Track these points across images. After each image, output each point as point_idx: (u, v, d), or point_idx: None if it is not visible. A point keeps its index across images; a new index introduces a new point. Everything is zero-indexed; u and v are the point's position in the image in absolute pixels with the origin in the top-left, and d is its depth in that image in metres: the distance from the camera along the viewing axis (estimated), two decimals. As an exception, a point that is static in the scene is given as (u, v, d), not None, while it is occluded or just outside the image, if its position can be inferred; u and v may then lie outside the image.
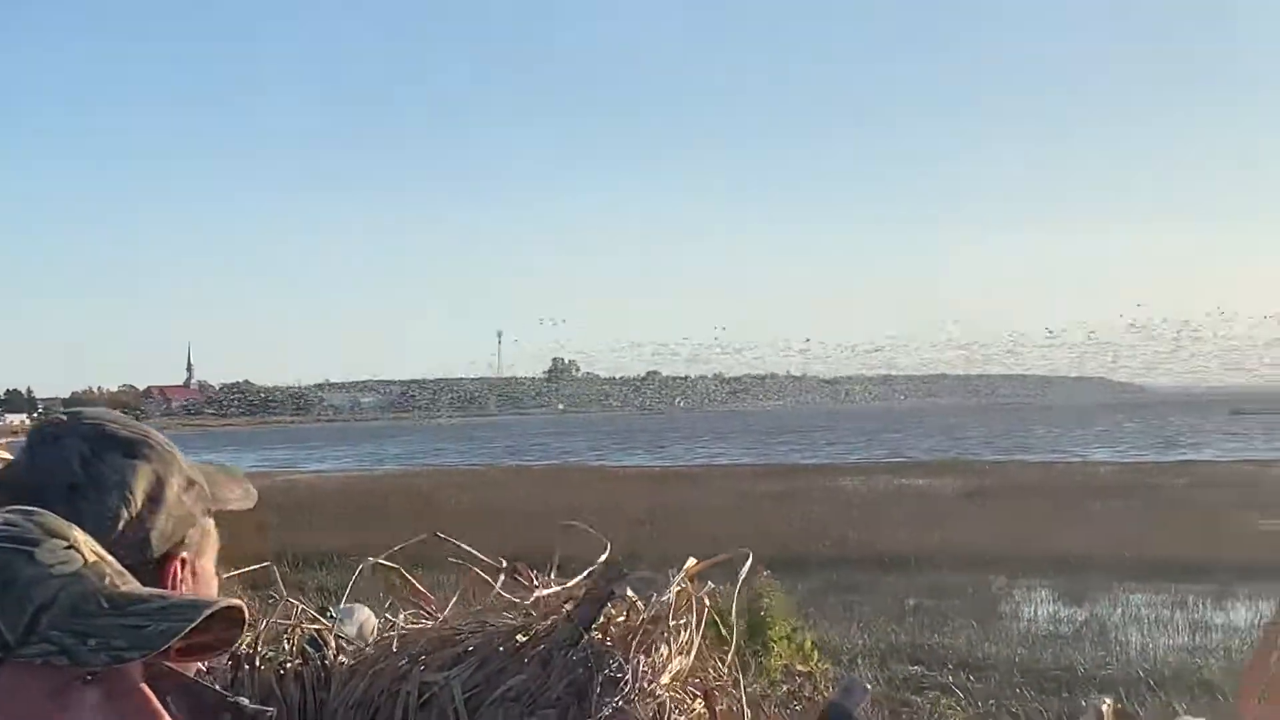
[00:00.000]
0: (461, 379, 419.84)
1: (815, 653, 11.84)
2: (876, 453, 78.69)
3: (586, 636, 4.07)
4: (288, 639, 3.66)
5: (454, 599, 4.00)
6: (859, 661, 13.88)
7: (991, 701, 12.41)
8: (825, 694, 6.89)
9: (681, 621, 3.69)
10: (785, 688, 10.63)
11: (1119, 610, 18.78)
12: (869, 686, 6.27)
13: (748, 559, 3.41)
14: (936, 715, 11.49)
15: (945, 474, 49.64)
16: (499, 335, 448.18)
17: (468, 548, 3.52)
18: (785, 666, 11.59)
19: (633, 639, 3.96)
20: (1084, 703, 6.65)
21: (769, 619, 11.60)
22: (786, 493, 40.75)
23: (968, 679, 13.48)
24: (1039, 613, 18.96)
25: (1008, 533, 26.83)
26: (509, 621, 4.33)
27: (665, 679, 3.73)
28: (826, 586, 21.31)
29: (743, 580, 3.40)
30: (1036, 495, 36.56)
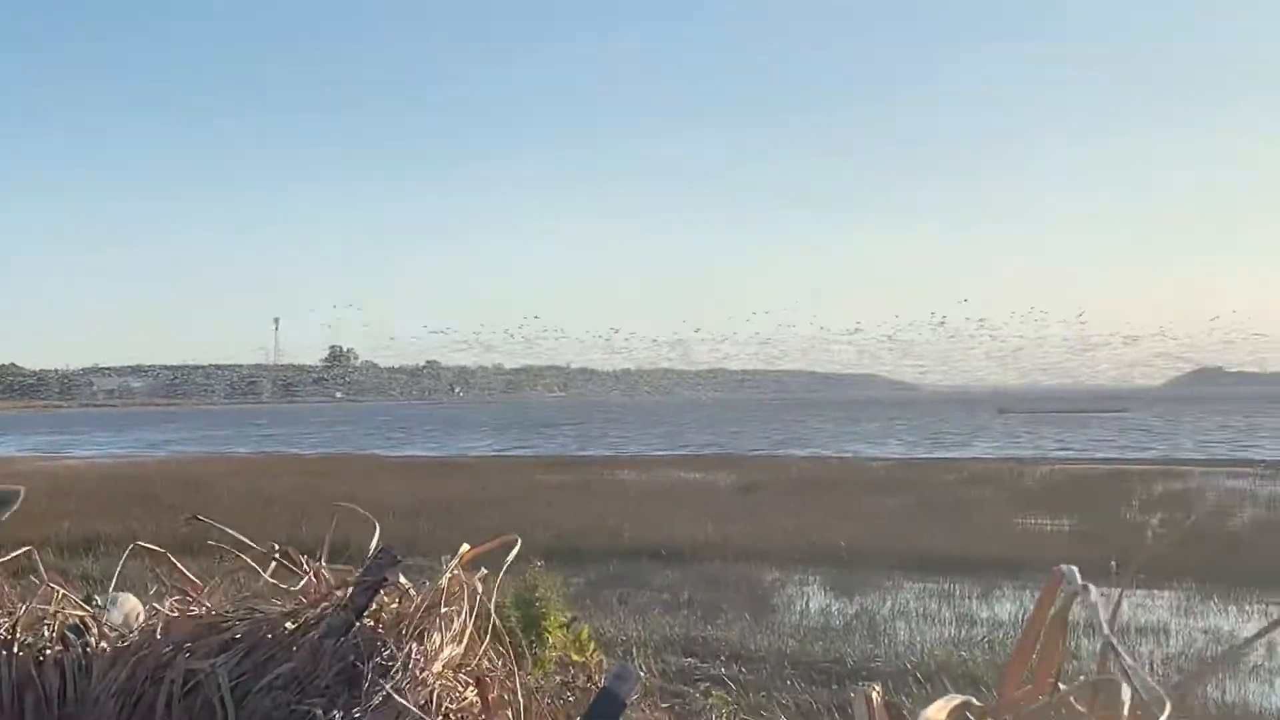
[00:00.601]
0: (237, 365, 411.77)
1: (591, 643, 11.81)
2: (655, 446, 79.18)
3: (358, 624, 4.01)
4: (48, 625, 3.54)
5: (222, 585, 3.90)
6: (633, 652, 13.90)
7: (763, 693, 12.52)
8: (599, 684, 6.91)
9: (454, 609, 3.65)
10: (559, 678, 10.62)
11: (888, 603, 19.14)
12: (641, 674, 6.29)
13: (516, 544, 3.38)
14: (708, 706, 11.57)
15: (722, 468, 50.14)
16: (276, 322, 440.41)
17: (232, 531, 3.43)
18: (560, 657, 11.56)
19: (405, 626, 3.91)
20: (852, 691, 6.77)
21: (545, 609, 11.55)
22: (565, 484, 40.81)
23: (740, 670, 13.60)
24: (811, 605, 19.23)
25: (781, 526, 27.21)
26: (278, 608, 4.25)
27: (437, 666, 3.70)
28: (603, 578, 21.37)
29: (507, 567, 3.37)
30: (810, 490, 37.13)
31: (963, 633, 16.80)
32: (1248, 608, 18.67)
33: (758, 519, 28.94)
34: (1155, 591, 19.70)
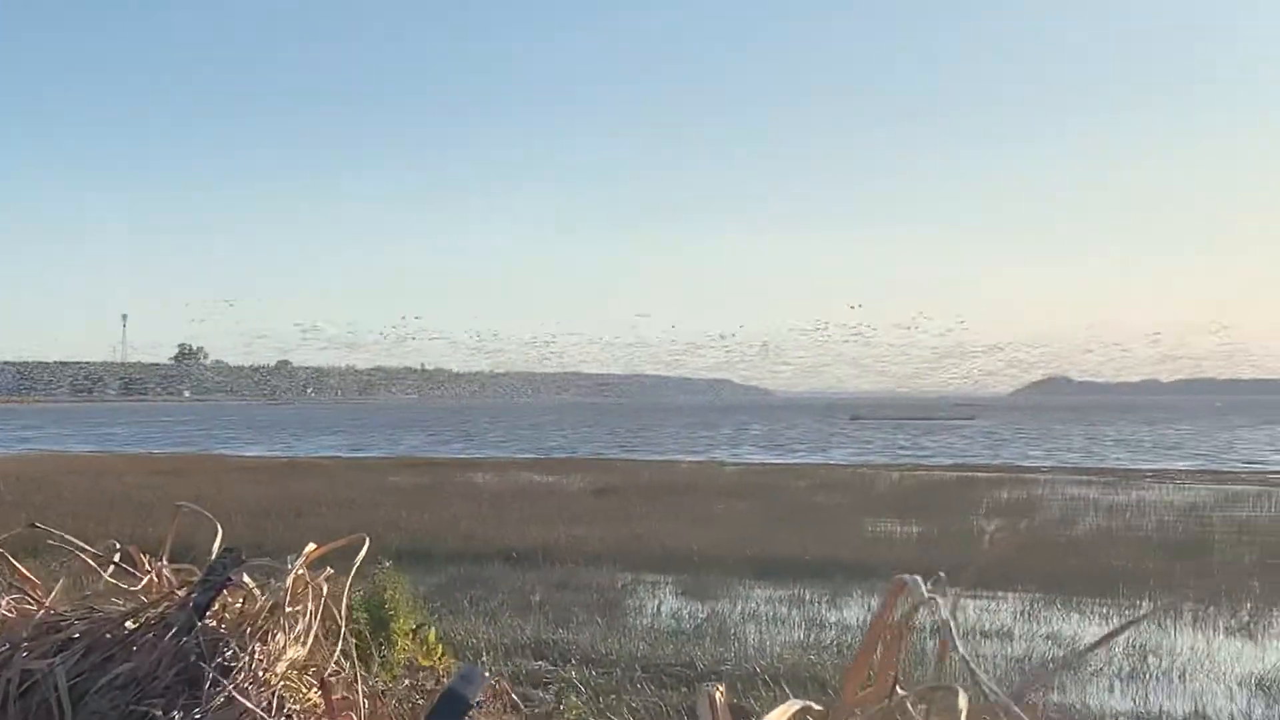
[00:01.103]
0: (84, 362, 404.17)
1: (439, 646, 11.73)
2: (509, 448, 79.01)
3: (200, 624, 3.95)
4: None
5: (61, 585, 3.81)
6: (483, 655, 13.85)
7: (613, 696, 12.53)
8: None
9: (299, 610, 3.60)
10: (407, 681, 10.54)
11: (739, 607, 19.23)
12: (487, 675, 6.27)
13: (364, 544, 3.34)
14: (558, 709, 11.55)
15: (575, 471, 50.15)
16: (124, 318, 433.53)
17: (70, 538, 3.35)
18: (409, 660, 11.48)
19: (248, 627, 3.85)
20: (694, 687, 6.79)
21: (393, 612, 11.45)
22: (417, 486, 40.57)
23: (591, 674, 13.60)
24: (662, 609, 19.27)
25: (633, 530, 27.28)
26: (119, 608, 4.16)
27: (281, 667, 3.65)
28: (454, 580, 21.25)
29: (356, 570, 3.33)
30: (662, 494, 37.24)
31: (812, 637, 16.94)
32: (1090, 613, 19.03)
33: (610, 522, 28.97)
34: (1000, 597, 20.01)
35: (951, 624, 2.85)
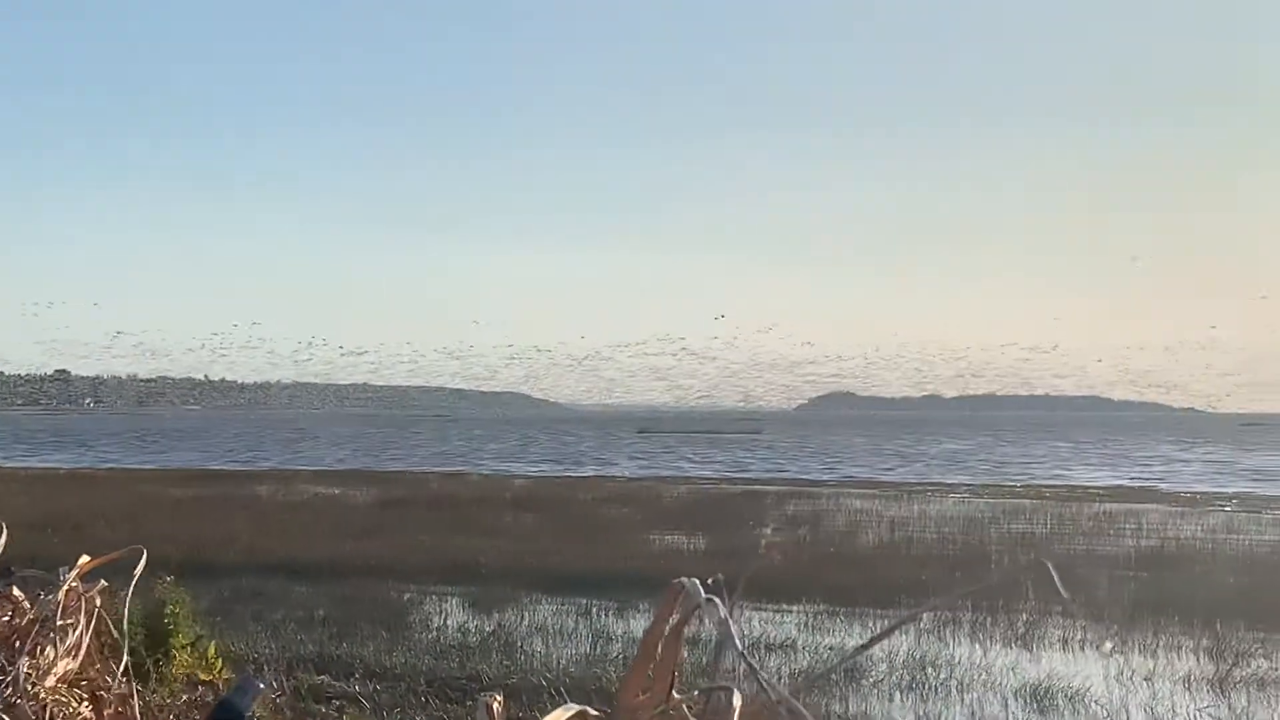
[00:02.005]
0: None
1: (219, 661, 11.52)
2: (294, 460, 77.92)
3: (-37, 638, 3.80)
4: None
5: None
6: (265, 670, 13.60)
7: (397, 709, 12.42)
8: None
9: (71, 623, 3.49)
10: (186, 696, 10.32)
11: (525, 620, 19.19)
12: (262, 686, 6.16)
13: (142, 558, 3.25)
14: (341, 724, 11.42)
15: (361, 483, 49.65)
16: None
17: None
18: (188, 675, 11.25)
19: (17, 640, 3.72)
20: (475, 699, 6.75)
21: (172, 626, 11.21)
22: (199, 498, 39.81)
23: (374, 688, 13.45)
24: (448, 622, 19.13)
25: (420, 543, 27.08)
26: (-122, 622, 3.99)
27: (50, 681, 3.53)
28: (236, 594, 20.86)
29: (136, 583, 3.24)
30: (450, 506, 37.05)
31: (599, 649, 16.96)
32: (873, 624, 19.35)
33: (396, 535, 28.73)
34: (785, 609, 20.25)
35: (730, 624, 2.87)
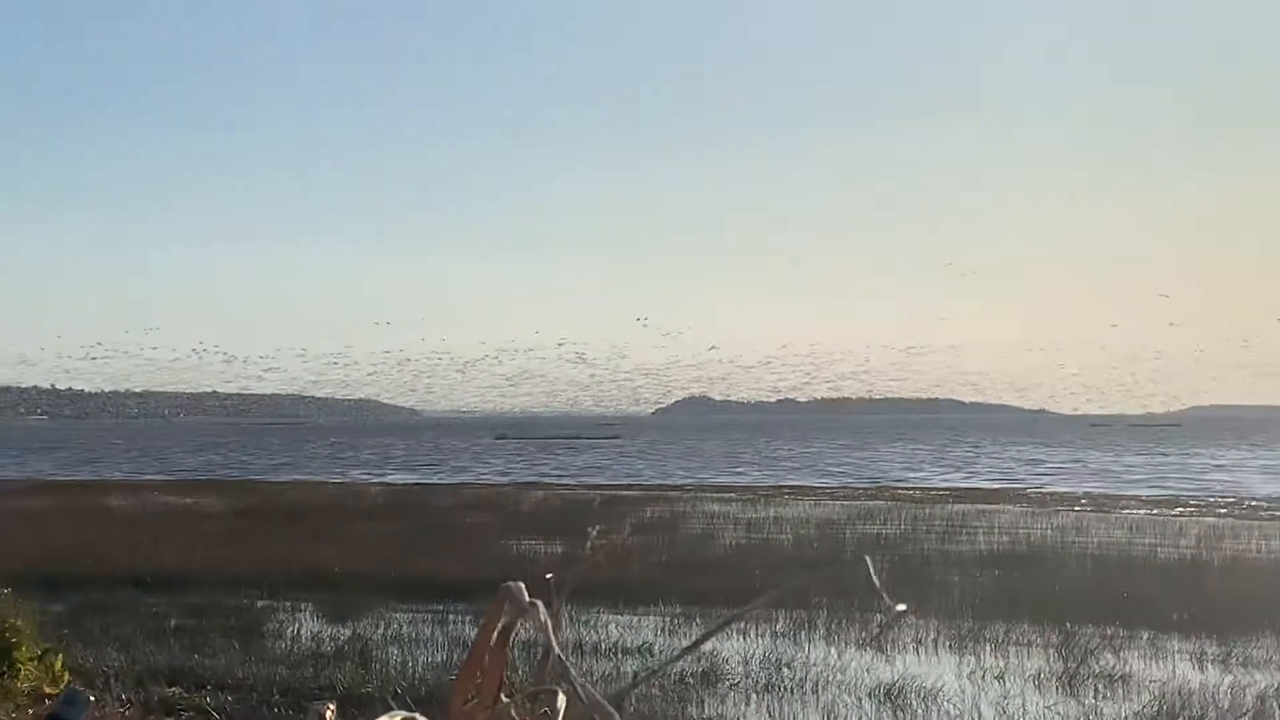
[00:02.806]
0: None
1: (66, 674, 11.30)
2: (146, 469, 76.72)
3: None
4: None
5: None
6: (113, 683, 13.35)
7: (249, 721, 12.27)
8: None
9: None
10: (32, 710, 10.10)
11: (381, 629, 19.01)
12: (92, 697, 6.06)
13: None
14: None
15: (213, 493, 49.02)
16: None
17: None
18: (34, 689, 11.02)
19: None
20: (307, 705, 6.64)
21: (16, 640, 10.97)
22: (44, 509, 39.02)
23: (226, 699, 13.25)
24: (302, 632, 18.91)
25: (274, 552, 26.74)
26: None
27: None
28: (84, 607, 20.45)
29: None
30: (305, 515, 36.66)
31: (455, 657, 16.83)
32: (730, 627, 19.40)
33: (250, 545, 28.36)
34: (643, 613, 20.28)
35: (550, 627, 2.86)
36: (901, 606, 3.25)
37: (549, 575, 3.13)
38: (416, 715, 2.88)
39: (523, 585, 2.96)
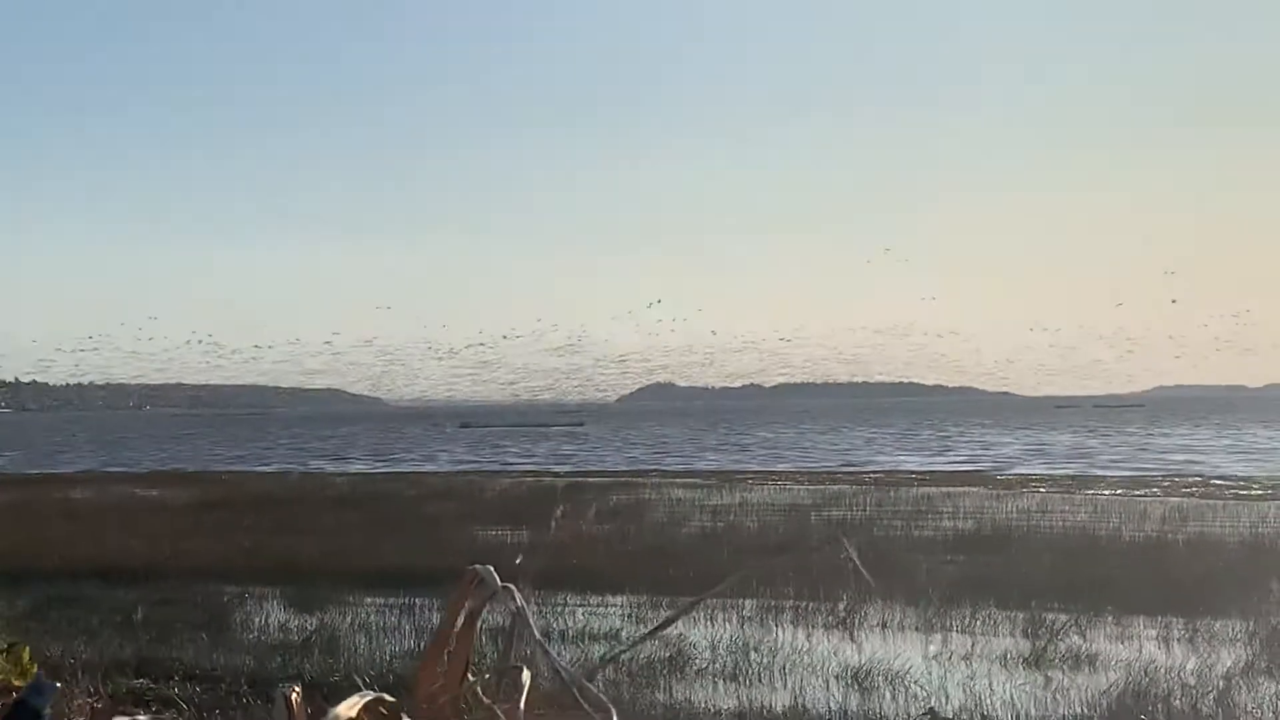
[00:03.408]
0: None
1: (33, 667, 11.24)
2: (111, 462, 76.38)
3: None
4: None
5: None
6: (80, 675, 13.29)
7: (217, 710, 12.22)
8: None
9: None
10: (2, 702, 10.05)
11: (349, 618, 18.98)
12: (58, 684, 6.05)
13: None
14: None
15: (178, 485, 48.86)
16: None
17: None
18: (2, 682, 10.99)
19: None
20: (273, 692, 6.66)
21: (-18, 634, 10.93)
22: (9, 503, 38.81)
23: (194, 690, 13.21)
24: (269, 622, 18.88)
25: (240, 544, 26.70)
26: None
27: None
28: (51, 600, 20.38)
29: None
30: (270, 506, 36.57)
31: (422, 645, 16.81)
32: (696, 613, 19.41)
33: (217, 536, 28.29)
34: (610, 601, 20.30)
35: (526, 608, 2.87)
36: (872, 581, 3.27)
37: (519, 559, 3.12)
38: (384, 695, 2.88)
39: (492, 568, 2.96)
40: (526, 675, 2.63)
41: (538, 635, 2.70)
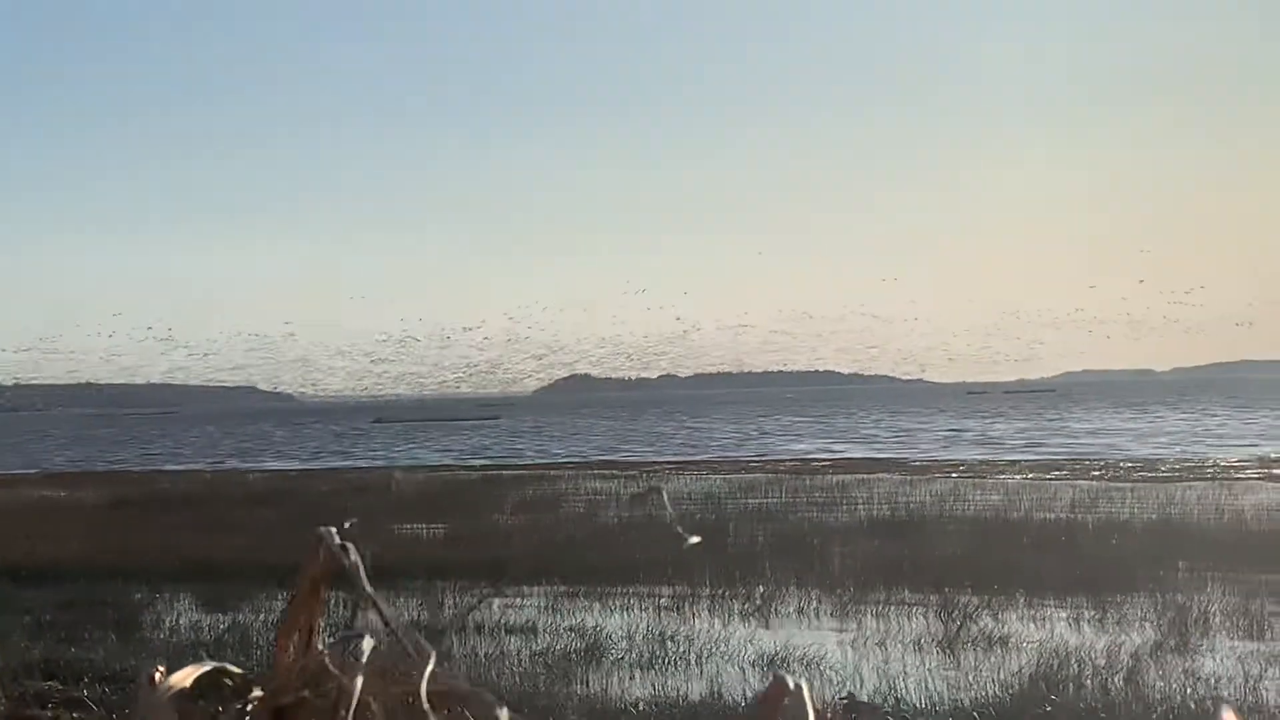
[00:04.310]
0: None
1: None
2: (17, 464, 75.35)
3: None
4: None
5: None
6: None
7: (127, 710, 12.09)
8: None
9: None
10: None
11: (263, 616, 18.82)
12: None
13: None
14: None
15: (88, 485, 48.26)
16: None
17: None
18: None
19: None
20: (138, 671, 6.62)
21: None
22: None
23: (104, 691, 13.08)
24: (181, 621, 18.70)
25: (151, 543, 26.39)
26: None
27: None
28: (-45, 602, 20.08)
29: None
30: (183, 504, 36.24)
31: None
32: (613, 603, 19.46)
33: (127, 535, 27.95)
34: (528, 593, 20.26)
35: (360, 566, 2.84)
36: (695, 539, 3.25)
37: (351, 522, 3.09)
38: (228, 665, 2.84)
39: (334, 530, 2.93)
40: (368, 642, 2.62)
41: (372, 593, 2.67)
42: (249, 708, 2.67)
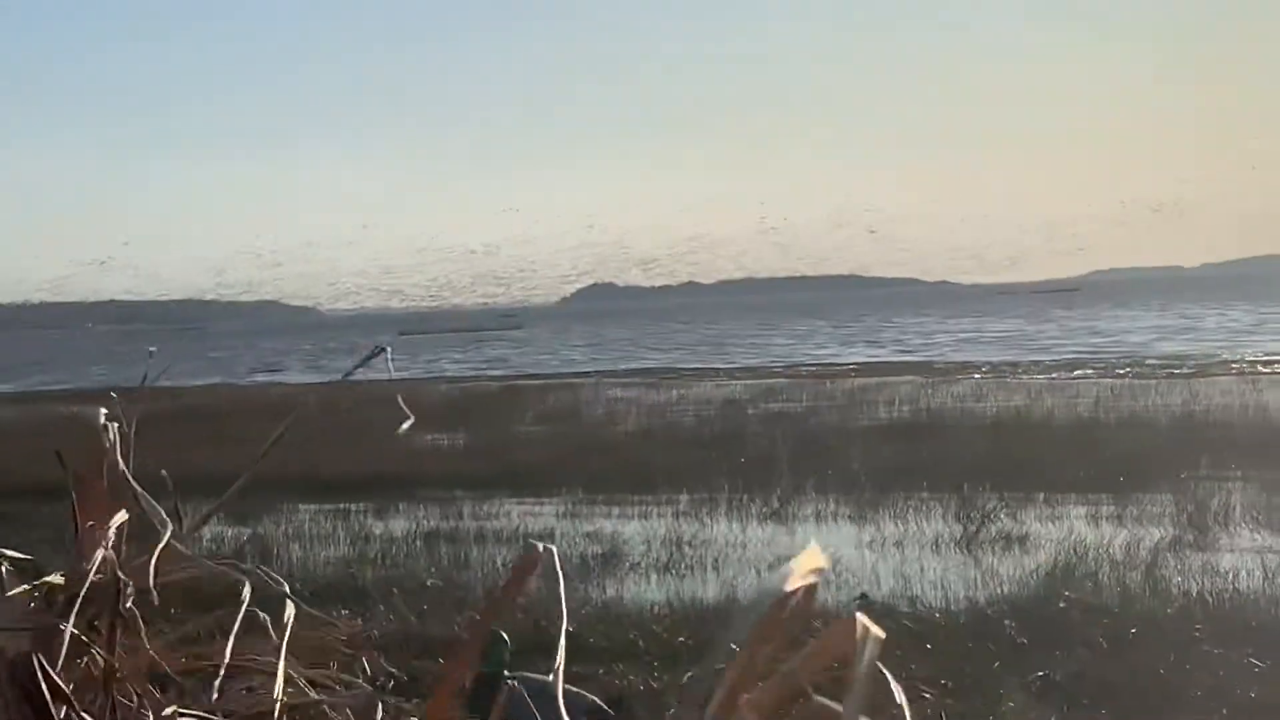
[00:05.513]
0: None
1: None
2: (43, 382, 75.61)
3: None
4: None
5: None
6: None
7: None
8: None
9: None
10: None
11: (283, 527, 18.91)
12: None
13: None
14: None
15: (104, 402, 48.28)
16: None
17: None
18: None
19: None
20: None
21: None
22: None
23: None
24: (202, 533, 18.70)
25: (173, 458, 26.06)
26: None
27: None
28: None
29: None
30: (204, 419, 36.29)
31: (356, 550, 16.88)
32: (630, 510, 19.45)
33: (144, 451, 27.86)
34: (544, 500, 20.33)
35: (117, 447, 2.74)
36: (409, 421, 3.17)
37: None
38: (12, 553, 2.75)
39: (103, 411, 2.83)
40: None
41: (122, 466, 2.59)
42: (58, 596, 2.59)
